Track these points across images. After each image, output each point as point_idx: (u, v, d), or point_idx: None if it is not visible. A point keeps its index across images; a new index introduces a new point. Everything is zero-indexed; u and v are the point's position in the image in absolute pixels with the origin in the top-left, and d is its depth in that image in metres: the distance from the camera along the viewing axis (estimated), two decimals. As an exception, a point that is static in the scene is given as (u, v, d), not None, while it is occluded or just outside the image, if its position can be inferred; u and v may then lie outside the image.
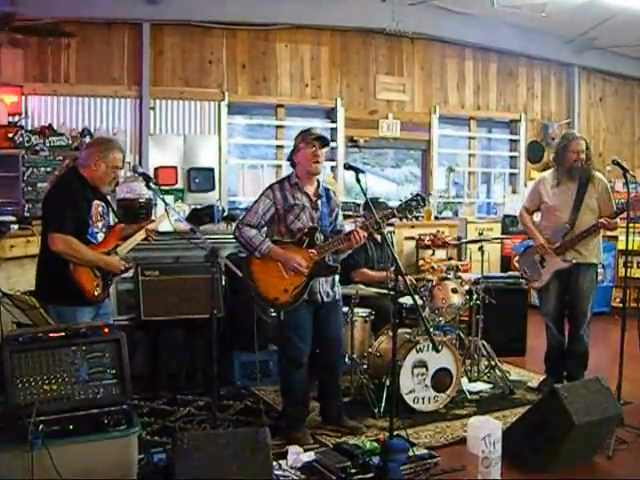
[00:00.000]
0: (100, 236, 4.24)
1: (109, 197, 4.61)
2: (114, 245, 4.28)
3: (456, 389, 5.12)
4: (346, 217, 5.26)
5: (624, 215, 5.10)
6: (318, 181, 4.57)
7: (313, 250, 4.35)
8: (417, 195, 4.47)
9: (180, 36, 8.24)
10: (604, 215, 5.29)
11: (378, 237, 5.80)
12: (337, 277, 4.62)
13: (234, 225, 4.53)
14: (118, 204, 6.64)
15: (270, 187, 4.50)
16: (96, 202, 4.23)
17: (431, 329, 4.76)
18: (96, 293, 4.13)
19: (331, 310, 4.54)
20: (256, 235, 4.36)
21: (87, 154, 4.22)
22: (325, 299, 4.47)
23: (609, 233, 6.86)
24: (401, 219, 4.63)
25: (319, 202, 4.49)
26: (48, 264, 4.11)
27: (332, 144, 9.03)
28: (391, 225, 7.84)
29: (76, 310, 4.06)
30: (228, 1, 8.15)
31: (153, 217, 6.34)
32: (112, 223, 4.45)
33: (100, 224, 4.25)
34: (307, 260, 4.34)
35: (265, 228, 4.48)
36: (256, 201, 4.48)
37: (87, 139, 7.33)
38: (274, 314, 4.76)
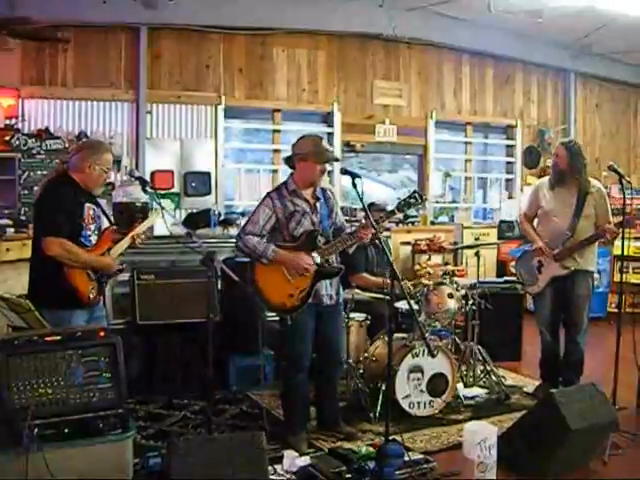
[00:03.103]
0: (93, 239, 4.24)
1: (103, 201, 4.61)
2: (107, 248, 4.28)
3: (452, 394, 5.12)
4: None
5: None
6: None
7: (316, 253, 4.35)
8: (414, 192, 4.45)
9: (177, 40, 8.24)
10: (600, 223, 5.30)
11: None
12: (340, 282, 4.62)
13: (235, 236, 4.49)
14: (115, 208, 6.64)
15: (268, 195, 4.46)
16: (88, 205, 4.23)
17: (427, 334, 4.77)
18: (91, 296, 4.14)
19: (333, 314, 4.54)
20: (260, 242, 4.32)
21: (80, 158, 4.22)
22: (328, 302, 4.47)
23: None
24: (402, 221, 4.61)
25: (317, 205, 4.49)
26: (41, 268, 4.11)
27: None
28: (387, 230, 7.85)
29: (70, 314, 4.06)
30: (225, 5, 8.15)
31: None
32: (105, 226, 4.45)
33: (93, 227, 4.25)
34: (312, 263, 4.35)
35: (265, 238, 4.43)
36: (255, 210, 4.45)
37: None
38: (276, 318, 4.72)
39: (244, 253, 4.43)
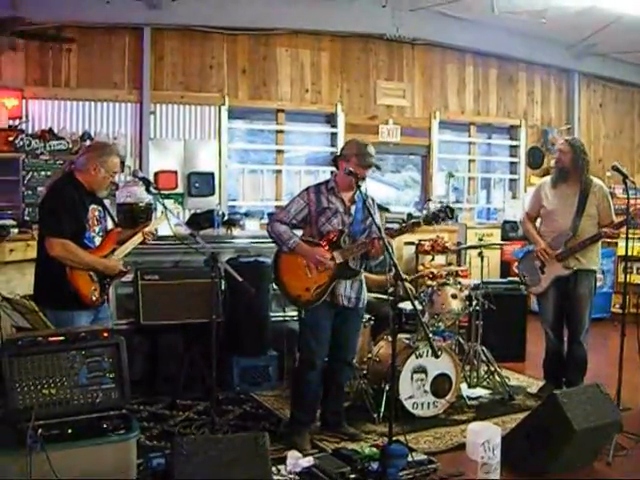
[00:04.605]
0: (97, 240, 4.23)
1: (107, 201, 4.61)
2: (111, 249, 4.27)
3: (455, 395, 5.11)
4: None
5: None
6: None
7: (337, 252, 4.37)
8: (446, 207, 4.44)
9: (181, 41, 8.26)
10: (603, 222, 5.30)
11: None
12: (364, 284, 4.63)
13: (267, 221, 4.59)
14: (118, 208, 6.64)
15: (307, 189, 4.55)
16: (93, 206, 4.23)
17: (430, 334, 4.76)
18: (94, 298, 4.13)
19: (350, 316, 4.56)
20: (286, 231, 4.43)
21: (86, 159, 4.22)
22: (346, 304, 4.48)
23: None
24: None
25: (353, 208, 4.50)
26: (45, 269, 4.11)
27: (332, 149, 9.07)
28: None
29: (74, 314, 4.06)
30: (228, 6, 8.16)
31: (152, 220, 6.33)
32: (109, 227, 4.45)
33: (97, 228, 4.25)
34: (331, 260, 4.37)
35: (301, 231, 4.54)
36: (291, 200, 4.57)
37: (87, 143, 7.33)
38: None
39: (271, 238, 4.55)
